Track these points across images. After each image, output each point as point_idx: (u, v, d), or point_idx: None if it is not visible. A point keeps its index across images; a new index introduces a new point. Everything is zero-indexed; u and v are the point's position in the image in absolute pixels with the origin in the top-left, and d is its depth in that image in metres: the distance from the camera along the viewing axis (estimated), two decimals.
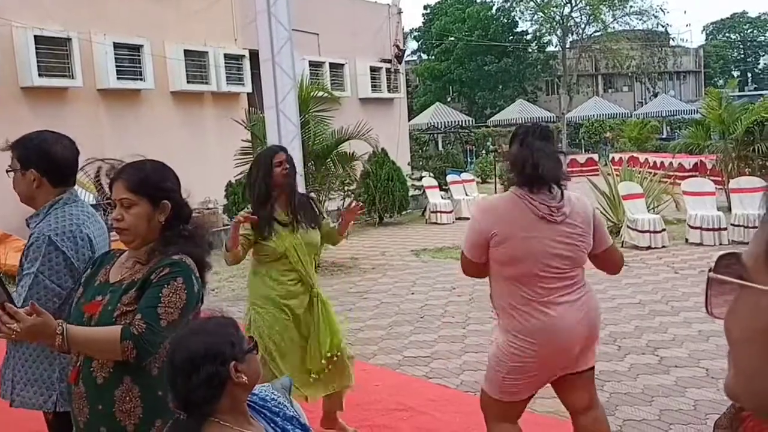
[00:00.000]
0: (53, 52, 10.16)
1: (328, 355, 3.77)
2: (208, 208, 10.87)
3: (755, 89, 45.83)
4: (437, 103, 28.81)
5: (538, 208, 2.84)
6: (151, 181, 2.17)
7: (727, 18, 64.13)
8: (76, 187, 2.76)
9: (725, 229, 9.79)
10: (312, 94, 9.73)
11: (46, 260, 2.53)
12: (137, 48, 11.31)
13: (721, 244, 9.73)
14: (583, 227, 2.93)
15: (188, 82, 12.16)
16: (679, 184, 11.36)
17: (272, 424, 1.86)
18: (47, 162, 2.65)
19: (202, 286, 2.22)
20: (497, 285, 2.95)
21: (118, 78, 11.01)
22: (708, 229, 9.86)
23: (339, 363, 3.86)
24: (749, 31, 63.43)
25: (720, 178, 12.70)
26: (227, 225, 3.69)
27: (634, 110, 35.01)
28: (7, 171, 2.69)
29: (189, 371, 1.68)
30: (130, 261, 2.20)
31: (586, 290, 2.97)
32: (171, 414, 1.79)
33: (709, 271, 0.66)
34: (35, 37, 9.91)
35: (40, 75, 10.01)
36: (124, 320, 2.04)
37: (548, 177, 2.83)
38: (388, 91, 16.98)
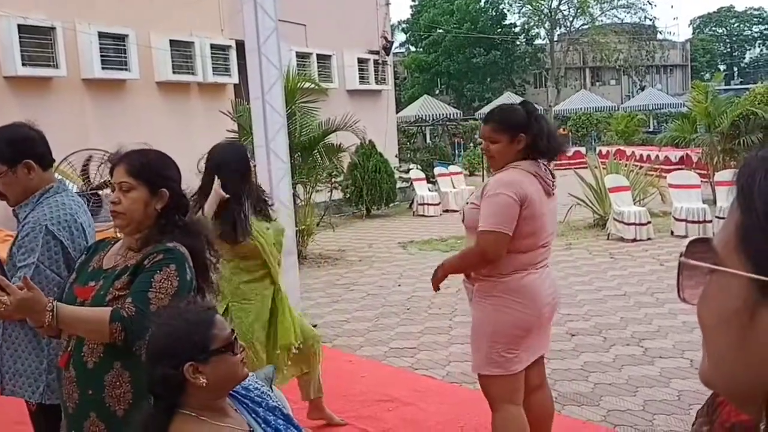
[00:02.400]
0: (37, 42, 10.04)
1: (296, 343, 3.73)
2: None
3: (741, 83, 46.08)
4: (425, 95, 28.76)
5: (548, 184, 2.95)
6: (152, 168, 2.20)
7: (714, 12, 64.46)
8: (59, 176, 2.74)
9: (710, 221, 9.86)
10: (299, 85, 9.68)
11: (45, 250, 2.51)
12: (122, 38, 11.18)
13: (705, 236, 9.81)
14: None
15: (174, 72, 12.03)
16: (665, 177, 11.42)
17: (254, 415, 1.84)
18: (34, 148, 2.62)
19: (209, 288, 2.23)
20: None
21: (103, 68, 10.88)
22: (693, 222, 9.93)
23: (304, 349, 3.82)
24: (736, 25, 63.80)
25: (705, 171, 12.78)
26: None
27: (621, 103, 35.14)
28: None
29: (150, 366, 1.69)
30: (124, 248, 2.22)
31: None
32: None
33: (681, 256, 0.66)
34: (19, 26, 9.79)
35: (23, 64, 9.88)
36: (115, 305, 2.05)
37: (557, 150, 3.02)
38: (376, 82, 16.91)
